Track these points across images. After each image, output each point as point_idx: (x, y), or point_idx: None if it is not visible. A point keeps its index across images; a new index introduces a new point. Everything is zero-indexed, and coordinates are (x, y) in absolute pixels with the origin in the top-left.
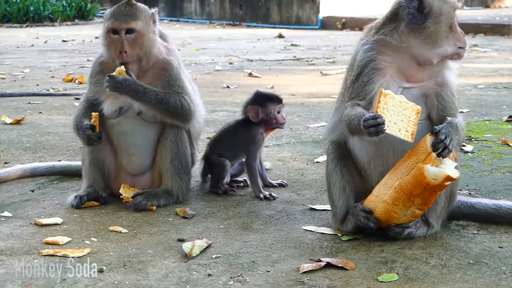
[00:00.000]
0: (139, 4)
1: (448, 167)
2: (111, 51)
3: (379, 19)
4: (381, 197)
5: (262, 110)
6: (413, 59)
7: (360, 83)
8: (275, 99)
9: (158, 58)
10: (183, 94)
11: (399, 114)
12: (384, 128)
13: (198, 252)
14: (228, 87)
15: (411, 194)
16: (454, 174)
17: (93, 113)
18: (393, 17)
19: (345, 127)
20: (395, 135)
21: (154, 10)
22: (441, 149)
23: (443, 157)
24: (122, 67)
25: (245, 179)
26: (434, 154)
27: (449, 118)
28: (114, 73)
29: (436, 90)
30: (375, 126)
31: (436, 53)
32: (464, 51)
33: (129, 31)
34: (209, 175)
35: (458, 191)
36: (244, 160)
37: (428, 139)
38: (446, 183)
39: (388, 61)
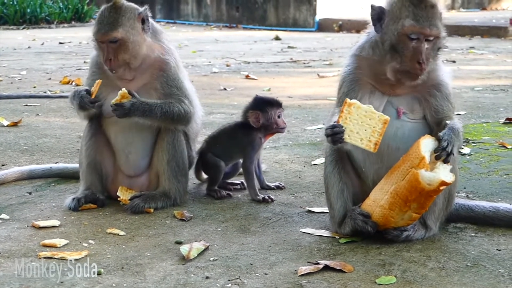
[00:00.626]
0: (125, 6)
1: (443, 172)
2: (100, 56)
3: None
4: (377, 202)
5: (263, 115)
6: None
7: (341, 93)
8: (275, 104)
9: (151, 57)
10: (182, 98)
11: (363, 124)
12: (343, 138)
13: (196, 255)
14: (225, 89)
15: (407, 199)
16: (449, 178)
17: (97, 80)
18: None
19: None
20: (357, 144)
21: (143, 8)
22: (444, 157)
23: (445, 163)
24: (124, 90)
25: (242, 182)
26: (429, 159)
27: (448, 122)
28: (117, 97)
29: (428, 95)
30: (331, 136)
31: (388, 68)
32: (413, 78)
33: (112, 41)
34: (205, 175)
35: (456, 194)
36: (239, 160)
37: (421, 143)
38: (441, 188)
39: (367, 74)
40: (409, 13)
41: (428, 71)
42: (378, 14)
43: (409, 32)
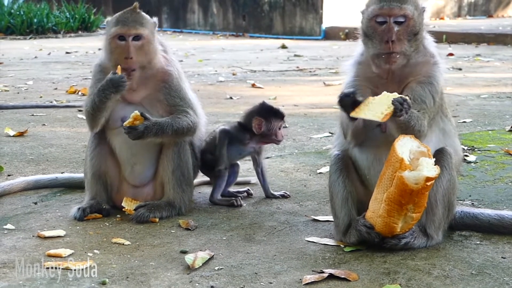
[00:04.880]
0: (142, 12)
1: (426, 168)
2: (114, 57)
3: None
4: (376, 212)
5: (266, 124)
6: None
7: None
8: (280, 115)
9: (158, 68)
10: (187, 108)
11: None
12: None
13: (201, 264)
14: (231, 98)
15: (401, 203)
16: (433, 173)
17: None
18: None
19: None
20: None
21: (155, 19)
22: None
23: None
24: (137, 112)
25: (248, 189)
26: (408, 158)
27: None
28: (129, 119)
29: (411, 90)
30: (343, 97)
31: (372, 63)
32: (387, 61)
33: (137, 37)
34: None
35: (461, 202)
36: (237, 165)
37: (396, 146)
38: (428, 184)
39: (366, 80)
40: (376, 2)
41: (407, 55)
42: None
43: (374, 15)
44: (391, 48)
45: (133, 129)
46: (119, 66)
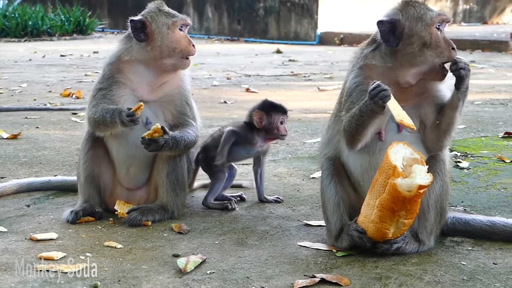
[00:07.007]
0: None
1: (419, 175)
2: (180, 46)
3: (364, 42)
4: (368, 218)
5: (267, 117)
6: (397, 80)
7: (350, 102)
8: (281, 110)
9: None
10: (192, 121)
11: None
12: (389, 94)
13: (193, 268)
14: (225, 102)
15: (393, 210)
16: (426, 181)
17: (139, 103)
18: (374, 40)
19: (342, 140)
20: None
21: None
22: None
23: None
24: (158, 125)
25: (241, 193)
26: (401, 166)
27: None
28: (150, 131)
29: (430, 106)
30: (379, 92)
31: (412, 73)
32: (442, 75)
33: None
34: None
35: (453, 207)
36: (234, 168)
37: (389, 153)
38: (421, 191)
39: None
40: (425, 9)
41: None
42: (390, 26)
43: (438, 22)
44: (456, 55)
45: (154, 142)
46: (141, 104)
